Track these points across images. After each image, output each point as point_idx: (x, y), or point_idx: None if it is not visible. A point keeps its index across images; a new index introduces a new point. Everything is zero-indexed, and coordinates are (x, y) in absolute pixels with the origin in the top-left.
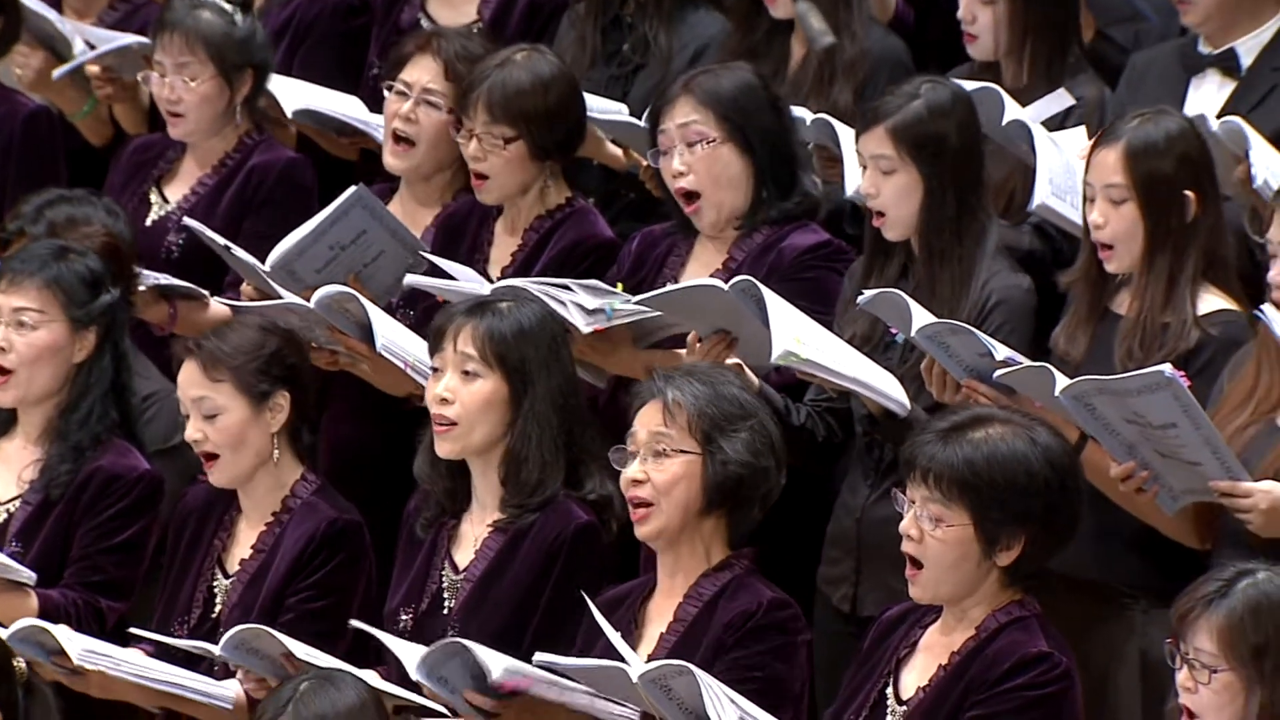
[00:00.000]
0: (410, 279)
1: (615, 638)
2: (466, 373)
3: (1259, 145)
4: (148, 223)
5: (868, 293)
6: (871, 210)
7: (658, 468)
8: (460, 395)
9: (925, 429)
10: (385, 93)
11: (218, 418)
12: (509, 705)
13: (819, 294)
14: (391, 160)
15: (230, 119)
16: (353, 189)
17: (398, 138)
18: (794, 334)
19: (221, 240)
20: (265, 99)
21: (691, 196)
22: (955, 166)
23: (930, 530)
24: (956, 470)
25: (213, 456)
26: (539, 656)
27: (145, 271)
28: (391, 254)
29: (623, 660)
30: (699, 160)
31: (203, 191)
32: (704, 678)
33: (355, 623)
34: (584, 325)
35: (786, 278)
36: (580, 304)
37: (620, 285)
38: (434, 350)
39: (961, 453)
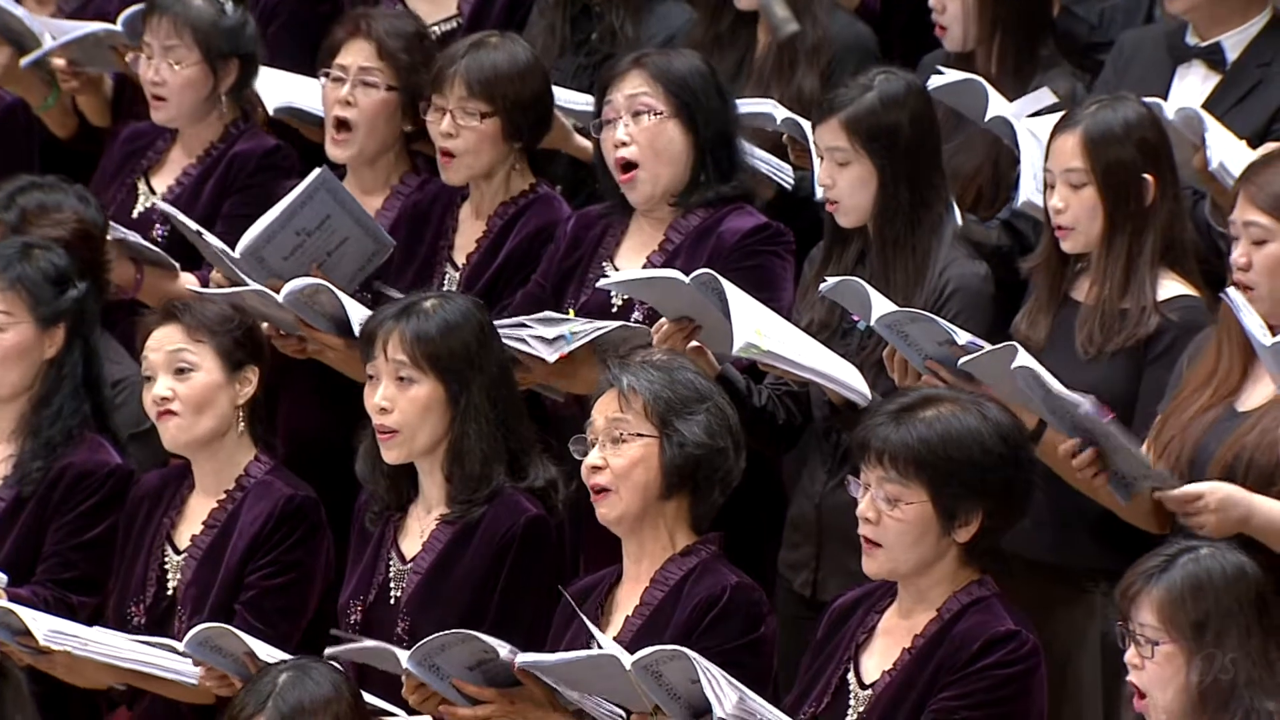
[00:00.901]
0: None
1: (598, 633)
2: (401, 379)
3: (1215, 130)
4: (135, 213)
5: (829, 280)
6: (826, 199)
7: (616, 453)
8: (398, 403)
9: (875, 411)
10: (322, 81)
11: (192, 375)
12: (502, 694)
13: (764, 279)
14: (333, 150)
15: (214, 107)
16: (316, 172)
17: (338, 124)
18: (755, 326)
19: (194, 226)
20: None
21: (629, 167)
22: (909, 157)
23: (888, 510)
24: (912, 448)
25: (172, 414)
26: (522, 658)
27: (118, 227)
28: (355, 241)
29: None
30: (643, 131)
31: (187, 181)
32: (700, 661)
33: (332, 648)
34: (550, 355)
35: (730, 264)
36: (540, 336)
37: (571, 311)
38: (367, 358)
39: (915, 431)
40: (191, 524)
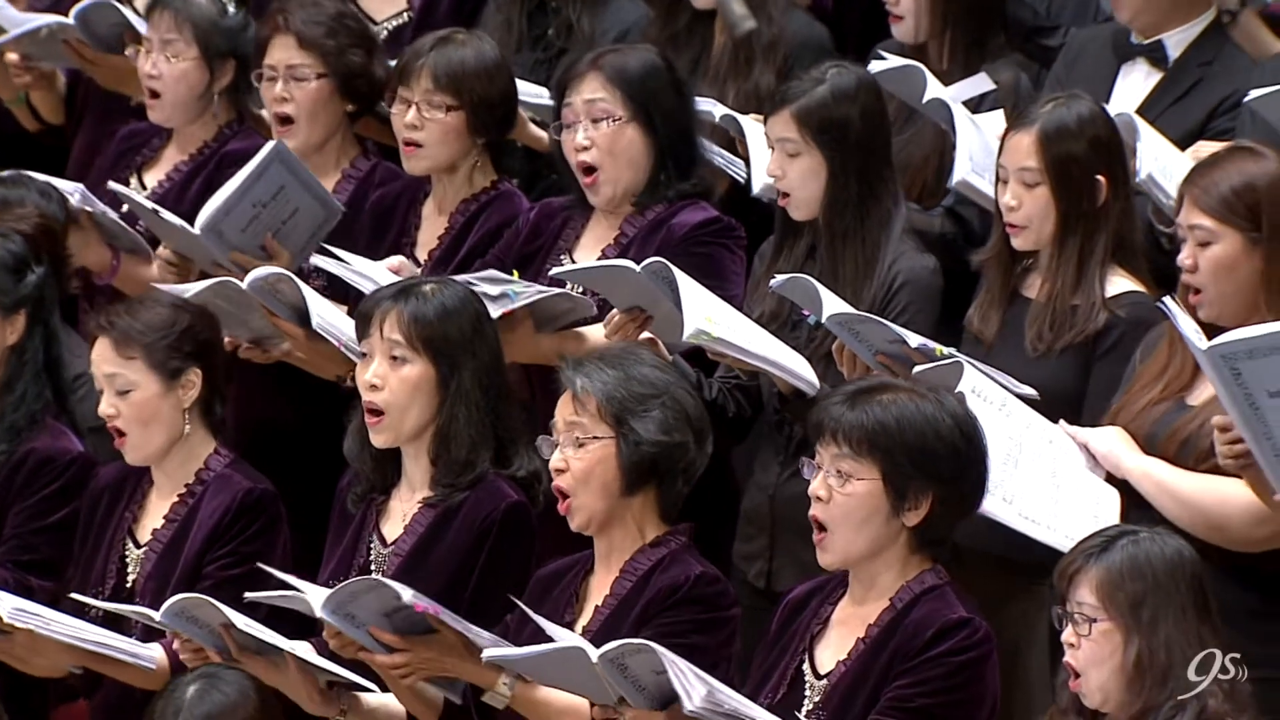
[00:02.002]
0: (316, 259)
1: (551, 628)
2: (394, 358)
3: (1148, 137)
4: (124, 208)
5: (780, 277)
6: (778, 191)
7: (575, 456)
8: (389, 381)
9: (831, 394)
10: (256, 84)
11: (130, 394)
12: (414, 643)
13: (710, 269)
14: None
15: (208, 106)
16: (271, 143)
17: (280, 119)
18: (706, 314)
19: (150, 204)
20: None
21: (591, 170)
22: (859, 150)
23: (839, 487)
24: (867, 427)
25: (123, 433)
26: (488, 653)
27: (95, 200)
28: (306, 210)
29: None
30: (603, 137)
31: (177, 178)
32: (667, 655)
33: (250, 596)
34: (495, 310)
35: (677, 254)
36: (485, 293)
37: (515, 272)
38: (361, 335)
39: (872, 412)
40: (153, 518)
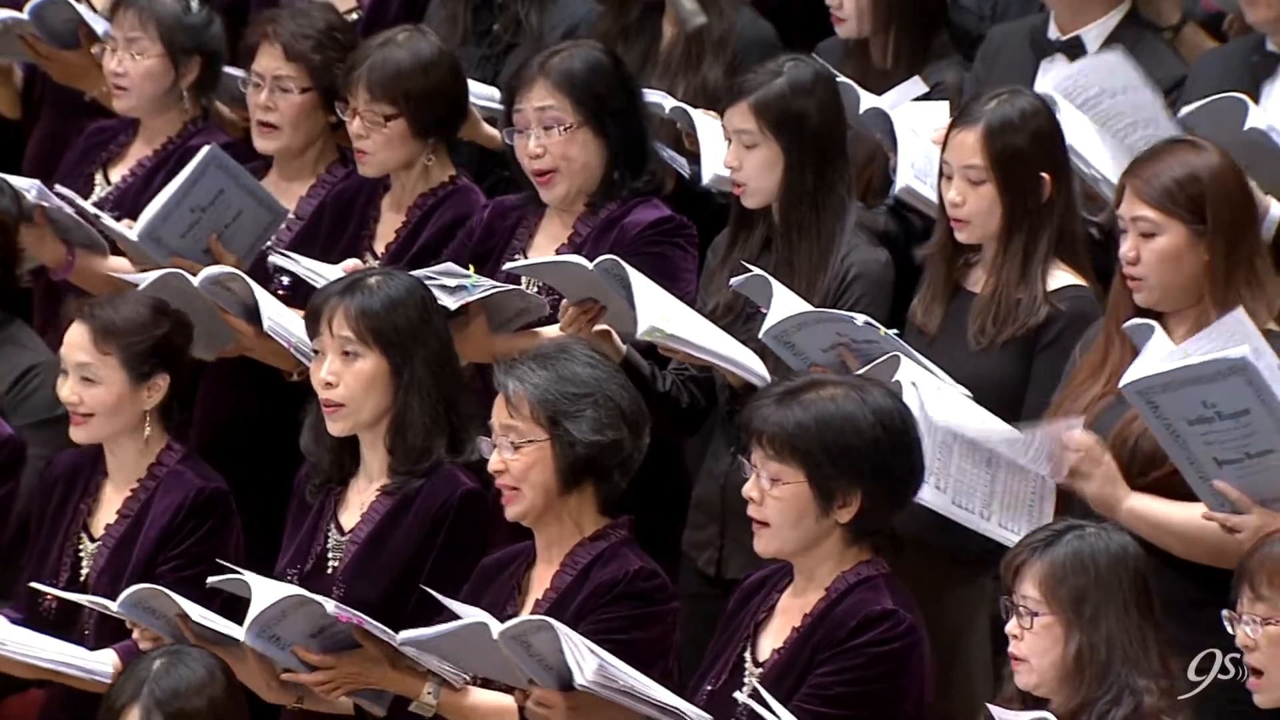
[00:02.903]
0: (276, 258)
1: (457, 606)
2: (347, 353)
3: (1069, 120)
4: (89, 203)
5: (740, 277)
6: (733, 181)
7: (513, 459)
8: (344, 377)
9: (762, 394)
10: (242, 89)
11: (97, 386)
12: (338, 659)
13: (662, 268)
14: (260, 143)
15: (176, 102)
16: (205, 150)
17: (262, 124)
18: (659, 311)
19: (92, 209)
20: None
21: (545, 172)
22: (816, 143)
23: (769, 490)
24: (787, 431)
25: (79, 418)
26: (403, 635)
27: (50, 195)
28: (250, 213)
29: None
30: (555, 144)
31: (140, 173)
32: (563, 630)
33: (212, 581)
34: (452, 303)
35: (630, 253)
36: (443, 285)
37: (471, 267)
38: (312, 334)
39: (793, 415)
40: (106, 511)
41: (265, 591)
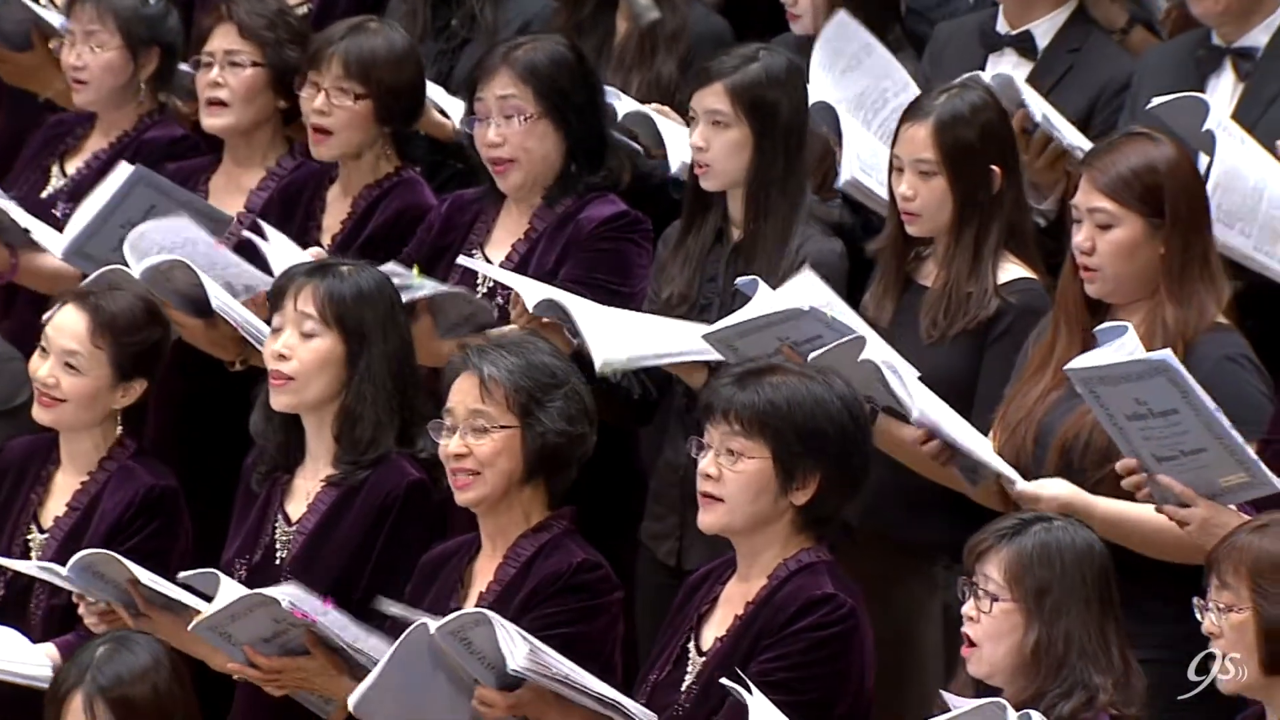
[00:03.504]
0: (247, 234)
1: (396, 608)
2: (305, 332)
3: (1029, 92)
4: (43, 195)
5: (743, 279)
6: (698, 163)
7: (479, 443)
8: (298, 352)
9: (721, 376)
10: (193, 69)
11: (79, 376)
12: (287, 664)
13: (616, 265)
14: (209, 121)
15: (134, 95)
16: (130, 169)
17: (210, 102)
18: (609, 341)
19: (24, 224)
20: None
21: (503, 162)
22: (785, 130)
23: (729, 466)
24: (758, 407)
25: (48, 401)
26: (353, 700)
27: None
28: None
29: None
30: (515, 134)
31: (95, 165)
32: (496, 619)
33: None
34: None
35: (585, 249)
36: None
37: (417, 266)
38: (274, 309)
39: (763, 393)
40: (56, 502)
41: (227, 592)
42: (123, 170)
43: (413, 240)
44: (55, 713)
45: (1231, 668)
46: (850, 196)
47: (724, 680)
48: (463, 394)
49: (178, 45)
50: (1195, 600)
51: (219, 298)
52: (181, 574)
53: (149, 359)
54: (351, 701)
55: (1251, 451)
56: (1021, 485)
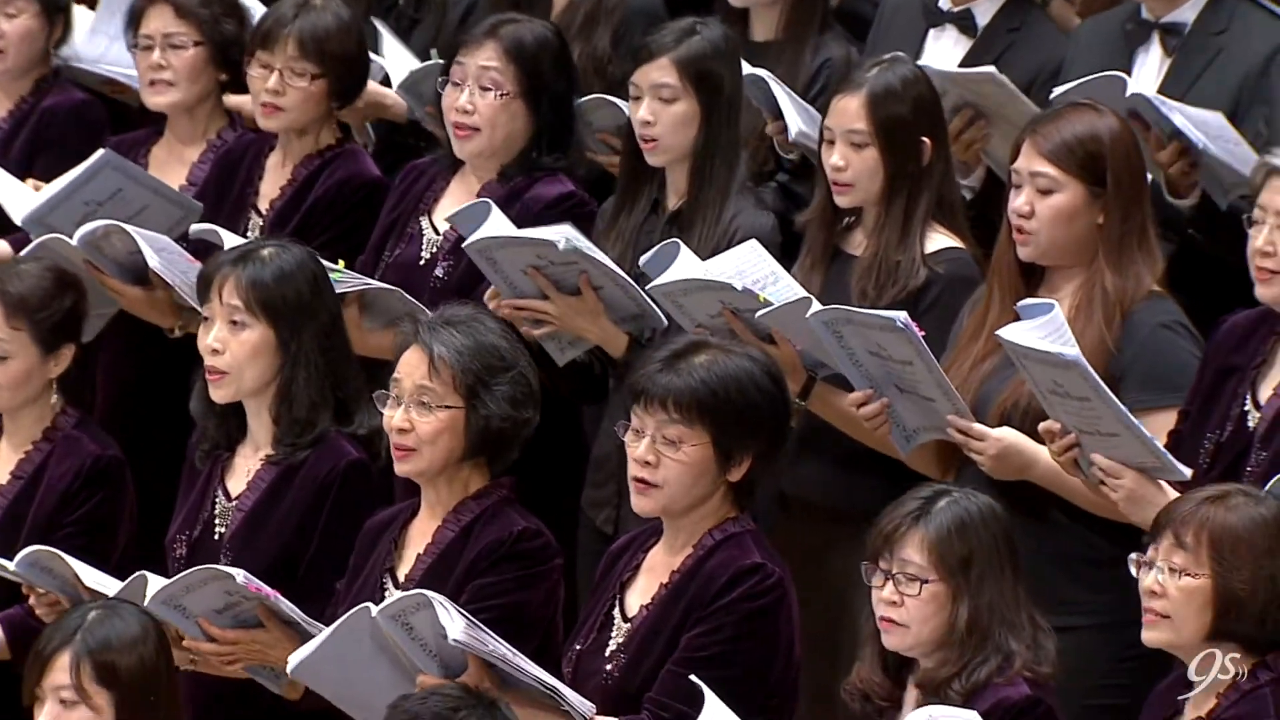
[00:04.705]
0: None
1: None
2: (234, 323)
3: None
4: None
5: (647, 255)
6: (645, 137)
7: (423, 419)
8: (230, 345)
9: (647, 361)
10: (133, 53)
11: (7, 361)
12: (241, 636)
13: None
14: (154, 99)
15: (41, 60)
16: (100, 153)
17: (154, 82)
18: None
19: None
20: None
21: (468, 129)
22: (729, 101)
23: (669, 453)
24: (695, 392)
25: None
26: (293, 664)
27: None
28: (157, 208)
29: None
30: (488, 105)
31: None
32: (435, 596)
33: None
34: None
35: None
36: None
37: (341, 262)
38: (202, 300)
39: (696, 375)
40: (0, 471)
41: (155, 581)
42: (95, 155)
43: (381, 217)
44: (39, 670)
45: (1171, 626)
46: (785, 183)
47: (693, 677)
48: (411, 368)
49: (69, 6)
50: (1134, 556)
51: (155, 259)
52: (113, 586)
53: (69, 324)
54: (291, 664)
55: (1159, 443)
56: (971, 424)
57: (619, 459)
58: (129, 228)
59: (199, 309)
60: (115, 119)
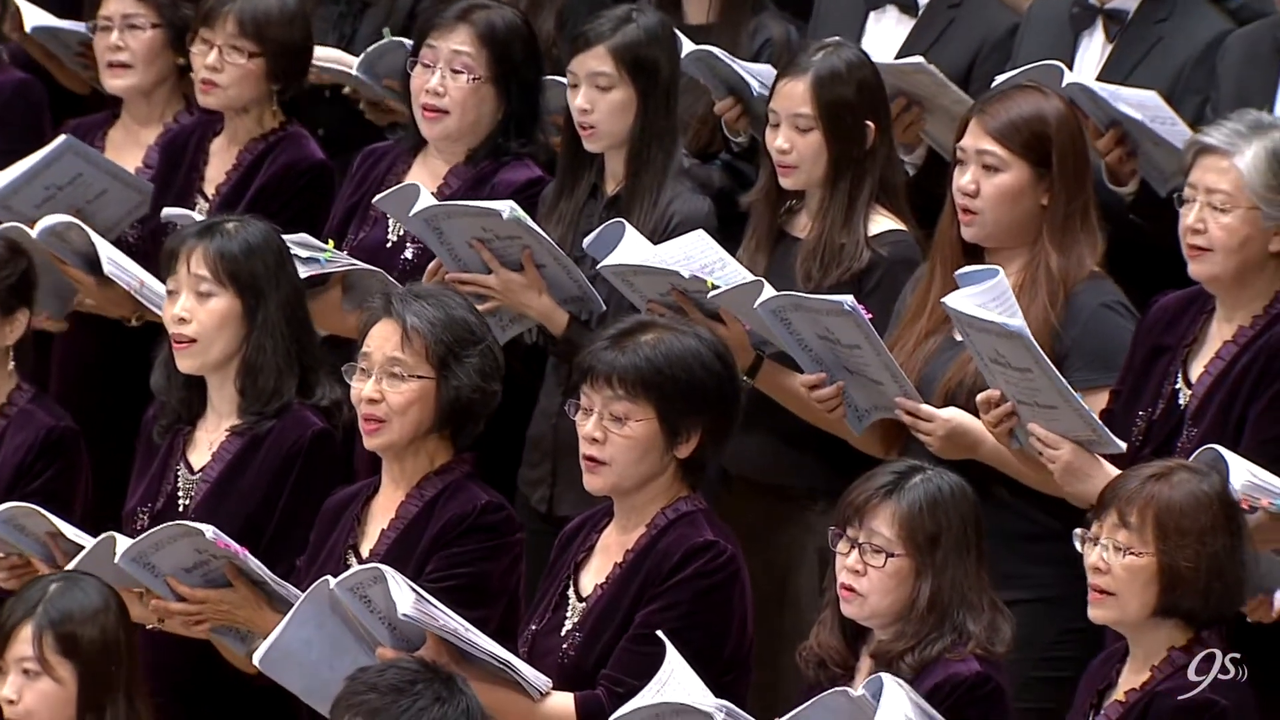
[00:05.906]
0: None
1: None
2: (201, 293)
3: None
4: None
5: (590, 236)
6: (583, 125)
7: (393, 390)
8: (197, 314)
9: (595, 339)
10: (92, 34)
11: None
12: (214, 594)
13: None
14: (113, 82)
15: None
16: (61, 139)
17: (113, 65)
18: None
19: None
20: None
21: (437, 111)
22: (665, 87)
23: (615, 430)
24: (640, 369)
25: None
26: (258, 656)
27: None
28: (115, 192)
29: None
30: (458, 89)
31: None
32: (388, 571)
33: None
34: (303, 271)
35: None
36: (297, 255)
37: (330, 242)
38: (168, 273)
39: (641, 353)
40: None
41: (123, 541)
42: (56, 140)
43: (337, 201)
44: (2, 642)
45: (1116, 603)
46: (730, 161)
47: (659, 632)
48: (382, 339)
49: None
50: (1078, 531)
51: (111, 258)
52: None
53: (22, 289)
54: (257, 657)
55: (1095, 416)
56: (919, 405)
57: (554, 439)
58: (89, 230)
59: (151, 309)
60: (62, 101)
